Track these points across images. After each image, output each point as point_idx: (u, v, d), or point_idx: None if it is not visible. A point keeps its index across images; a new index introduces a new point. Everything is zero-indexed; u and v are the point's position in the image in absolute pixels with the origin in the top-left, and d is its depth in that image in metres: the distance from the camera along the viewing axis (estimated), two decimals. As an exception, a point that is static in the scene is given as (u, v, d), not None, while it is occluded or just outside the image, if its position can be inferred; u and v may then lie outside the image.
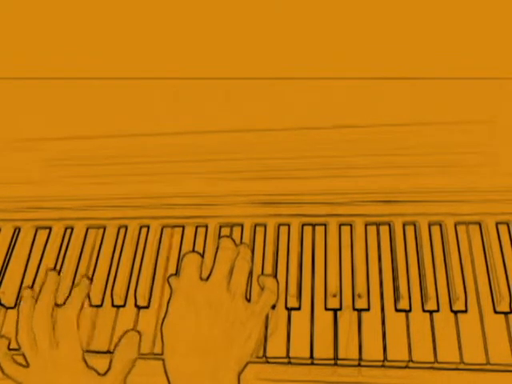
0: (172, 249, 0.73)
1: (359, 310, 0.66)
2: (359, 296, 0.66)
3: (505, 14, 0.69)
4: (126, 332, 0.66)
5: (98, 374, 0.62)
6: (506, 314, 0.64)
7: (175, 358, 0.60)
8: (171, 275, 0.67)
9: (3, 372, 0.64)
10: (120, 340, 0.65)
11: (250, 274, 0.67)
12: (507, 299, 0.64)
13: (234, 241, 0.68)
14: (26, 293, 0.67)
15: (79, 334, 0.64)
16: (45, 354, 0.62)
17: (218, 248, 0.67)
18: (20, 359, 0.64)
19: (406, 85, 0.68)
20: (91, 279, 0.70)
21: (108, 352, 0.66)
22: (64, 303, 0.67)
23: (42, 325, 0.63)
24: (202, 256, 0.68)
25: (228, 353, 0.59)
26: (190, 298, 0.62)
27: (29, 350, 0.63)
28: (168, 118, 0.71)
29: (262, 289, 0.66)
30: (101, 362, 0.63)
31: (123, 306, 0.69)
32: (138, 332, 0.65)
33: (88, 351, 0.66)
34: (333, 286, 0.67)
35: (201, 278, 0.65)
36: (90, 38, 0.72)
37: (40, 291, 0.67)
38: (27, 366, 0.63)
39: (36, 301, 0.66)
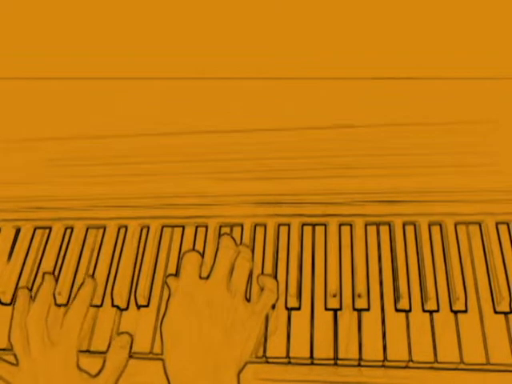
0: (172, 249, 0.73)
1: (359, 310, 0.66)
2: (359, 296, 0.66)
3: (505, 13, 0.69)
4: (118, 334, 0.66)
5: (90, 375, 0.62)
6: (506, 314, 0.64)
7: (175, 358, 0.60)
8: (169, 275, 0.67)
9: None
10: (112, 342, 0.65)
11: (250, 273, 0.67)
12: (507, 299, 0.64)
13: (234, 240, 0.68)
14: (21, 292, 0.67)
15: (79, 340, 0.64)
16: (36, 355, 0.61)
17: (218, 246, 0.67)
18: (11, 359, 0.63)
19: (406, 85, 0.68)
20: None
21: (108, 352, 0.66)
22: (65, 305, 0.67)
23: (36, 326, 0.63)
24: (202, 255, 0.68)
25: (228, 352, 0.59)
26: (190, 297, 0.62)
27: (20, 350, 0.62)
28: (168, 118, 0.71)
29: (262, 289, 0.66)
30: (100, 363, 0.63)
31: (123, 306, 0.69)
32: (130, 334, 0.65)
33: (88, 351, 0.66)
34: (333, 286, 0.66)
35: (201, 277, 0.65)
36: (90, 38, 0.72)
37: (37, 293, 0.66)
38: (17, 365, 0.62)
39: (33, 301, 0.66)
